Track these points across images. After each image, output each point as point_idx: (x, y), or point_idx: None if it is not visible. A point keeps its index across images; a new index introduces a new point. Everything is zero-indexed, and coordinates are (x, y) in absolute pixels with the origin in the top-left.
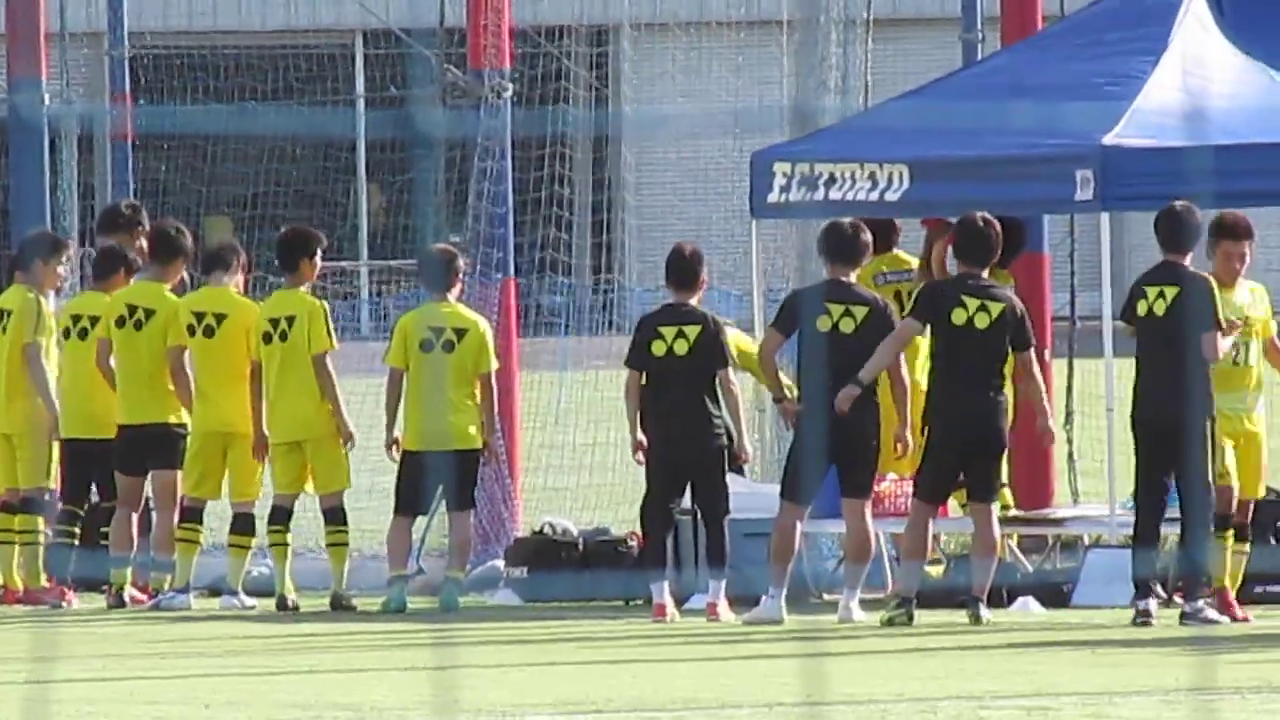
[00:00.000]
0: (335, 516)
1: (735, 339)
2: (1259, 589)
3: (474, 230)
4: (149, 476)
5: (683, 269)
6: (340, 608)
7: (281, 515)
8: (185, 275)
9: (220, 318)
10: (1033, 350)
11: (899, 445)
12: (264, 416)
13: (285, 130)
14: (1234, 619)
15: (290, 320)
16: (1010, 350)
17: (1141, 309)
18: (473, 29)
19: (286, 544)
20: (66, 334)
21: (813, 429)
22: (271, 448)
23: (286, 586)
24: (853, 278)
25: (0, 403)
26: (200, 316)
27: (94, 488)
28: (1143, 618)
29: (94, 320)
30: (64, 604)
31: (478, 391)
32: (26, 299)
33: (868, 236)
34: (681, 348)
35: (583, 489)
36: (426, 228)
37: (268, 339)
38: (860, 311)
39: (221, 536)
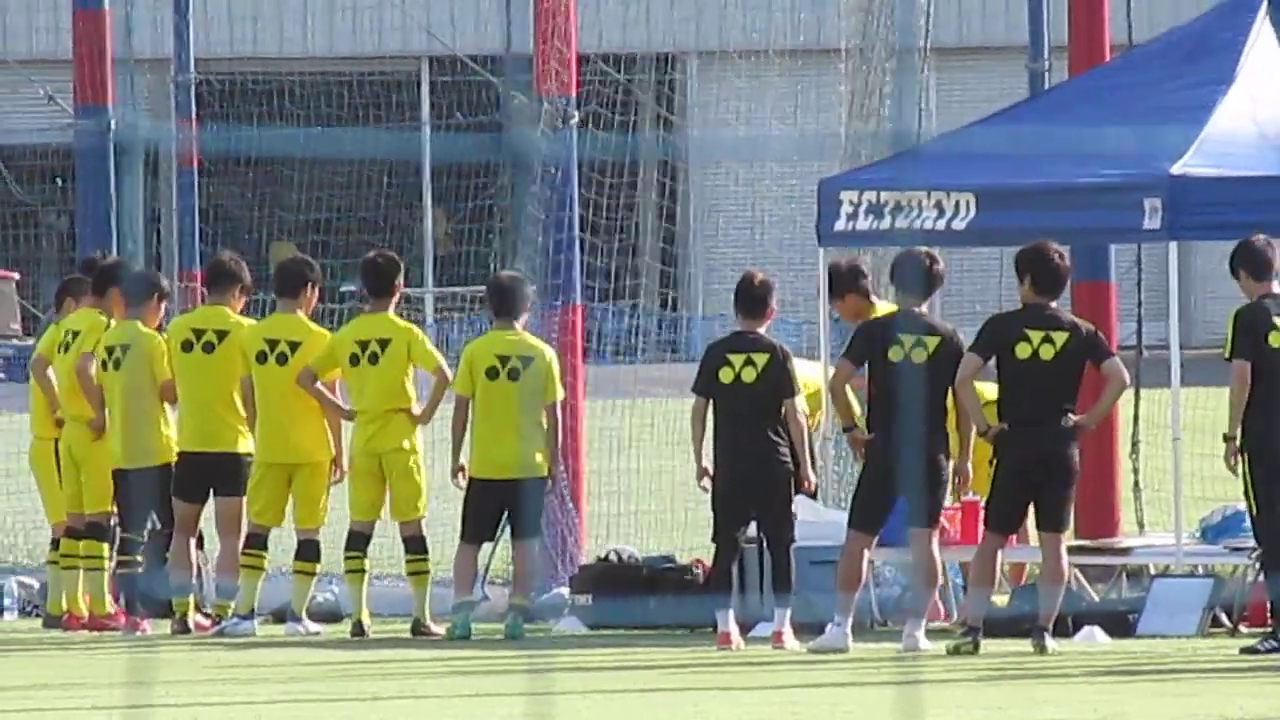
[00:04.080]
0: (416, 545)
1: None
2: None
3: (533, 258)
4: (210, 503)
5: (752, 297)
6: (421, 633)
7: (359, 541)
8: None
9: (294, 345)
10: (1115, 359)
11: (958, 477)
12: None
13: (352, 154)
14: None
15: (383, 344)
16: (1083, 373)
17: (1275, 340)
18: (539, 55)
19: (364, 570)
20: (105, 366)
21: (881, 458)
22: (352, 471)
23: (363, 613)
24: (924, 308)
25: (66, 427)
26: (273, 344)
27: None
28: None
29: (125, 349)
30: (137, 633)
31: (544, 419)
32: (99, 322)
33: (941, 266)
34: (749, 375)
35: (647, 516)
36: (509, 254)
37: (355, 361)
38: (932, 342)
39: (286, 562)
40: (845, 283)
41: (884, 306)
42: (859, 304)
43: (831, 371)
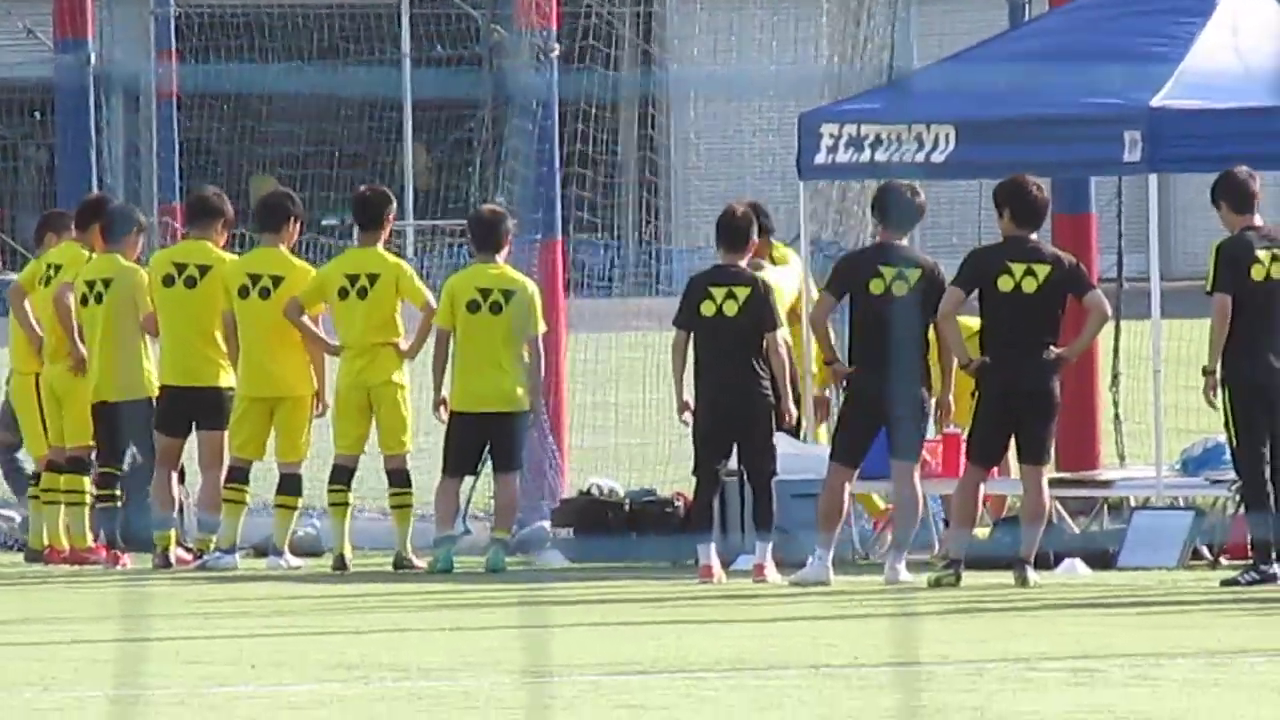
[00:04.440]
0: (400, 479)
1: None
2: None
3: (514, 191)
4: (191, 437)
5: (734, 230)
6: (403, 567)
7: (343, 475)
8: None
9: (277, 280)
10: (1097, 291)
11: (940, 410)
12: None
13: (333, 90)
14: None
15: (372, 278)
16: (1065, 306)
17: (1258, 274)
18: None
19: (347, 504)
20: (85, 300)
21: (863, 391)
22: (338, 405)
23: (345, 547)
24: (906, 240)
25: (45, 361)
26: (255, 279)
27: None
28: (1268, 580)
29: (106, 283)
30: (118, 567)
31: (525, 353)
32: (80, 255)
33: (922, 199)
34: (731, 309)
35: (629, 450)
36: (490, 188)
37: (343, 294)
38: (913, 275)
39: (268, 496)
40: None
41: (782, 249)
42: (760, 244)
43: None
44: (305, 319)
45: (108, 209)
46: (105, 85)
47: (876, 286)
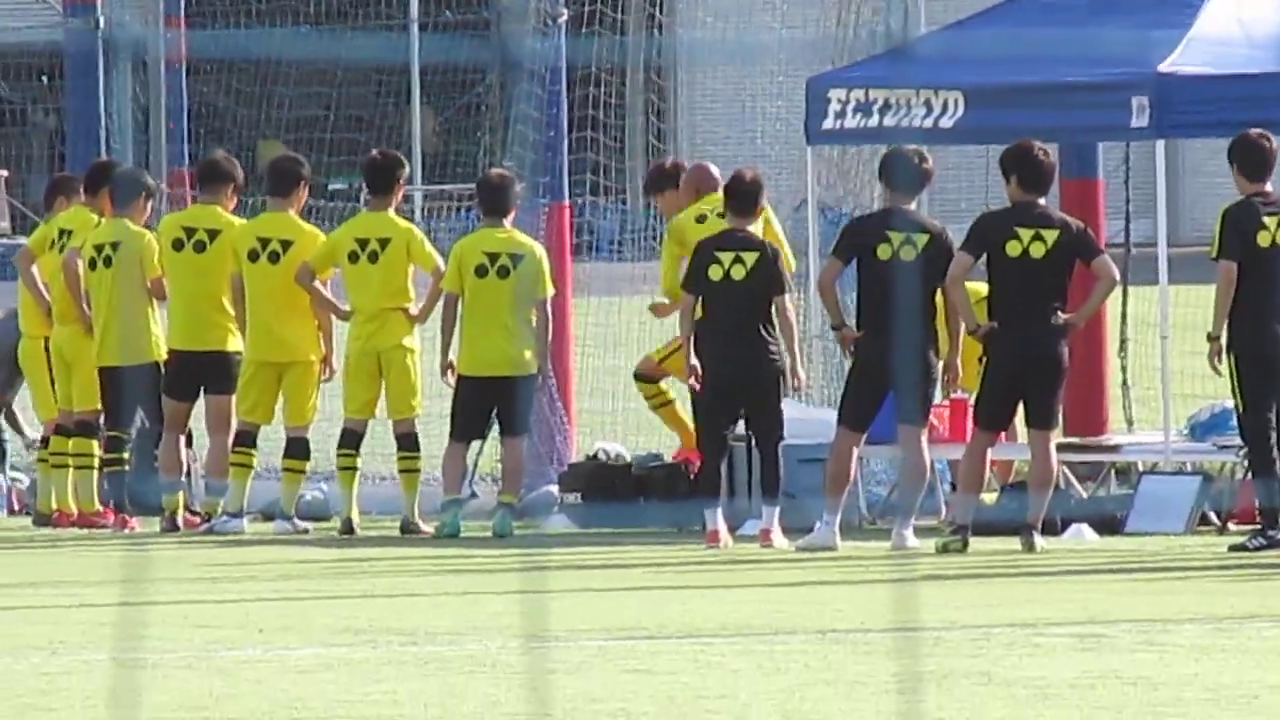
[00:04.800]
0: (409, 443)
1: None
2: None
3: (522, 156)
4: (200, 401)
5: (743, 195)
6: (410, 532)
7: (353, 439)
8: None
9: (286, 244)
10: (1105, 256)
11: (948, 374)
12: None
13: (341, 56)
14: None
15: (383, 242)
16: (1073, 271)
17: (1264, 240)
18: None
19: (356, 468)
20: (93, 265)
21: (871, 356)
22: (348, 369)
23: (353, 511)
24: (913, 205)
25: (55, 325)
26: (265, 243)
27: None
28: (1275, 545)
29: (115, 246)
30: (126, 530)
31: (533, 317)
32: (90, 220)
33: (929, 164)
34: (739, 273)
35: (636, 414)
36: (497, 152)
37: (354, 258)
38: (921, 239)
39: (275, 461)
40: (665, 181)
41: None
42: (677, 200)
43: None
44: (315, 283)
45: (115, 173)
46: (113, 50)
47: (884, 251)
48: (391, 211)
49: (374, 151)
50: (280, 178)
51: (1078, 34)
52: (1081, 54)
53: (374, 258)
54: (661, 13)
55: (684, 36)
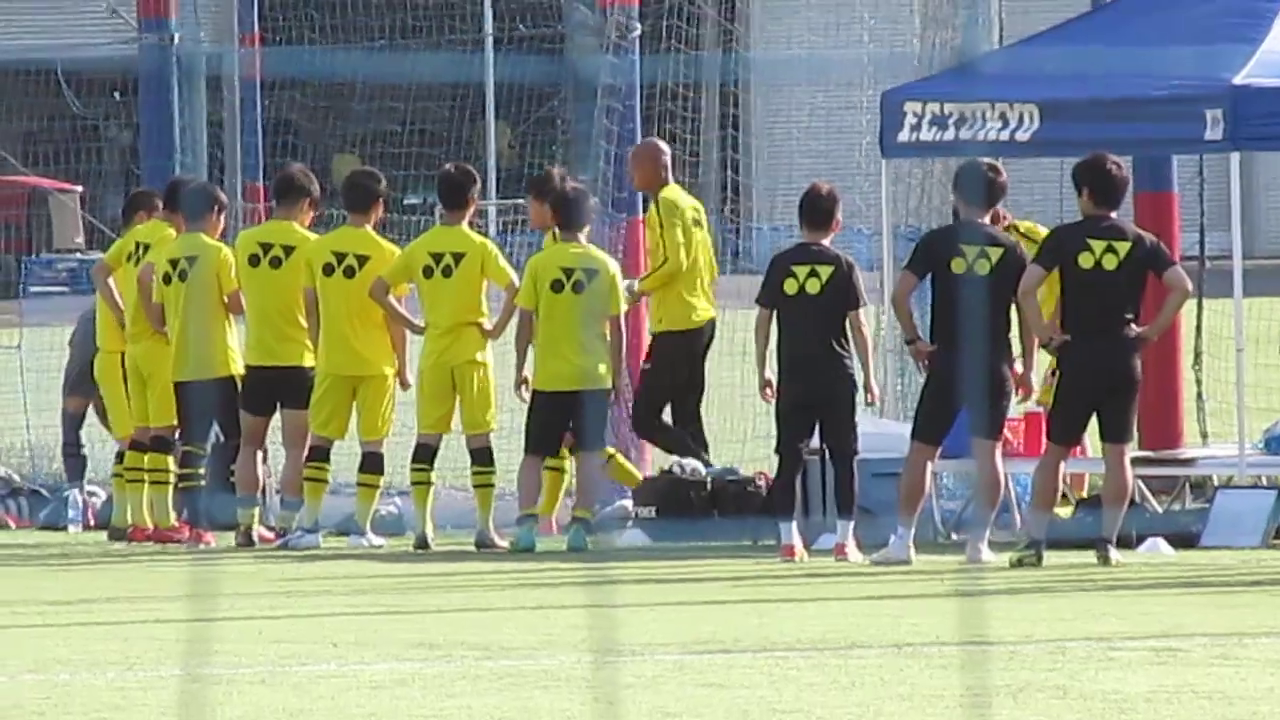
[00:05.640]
0: (483, 457)
1: None
2: None
3: (599, 170)
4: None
5: (818, 209)
6: (485, 546)
7: (426, 454)
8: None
9: (362, 259)
10: (1177, 268)
11: (1020, 389)
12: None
13: (416, 71)
14: None
15: (457, 257)
16: (1146, 284)
17: None
18: None
19: (430, 483)
20: (167, 279)
21: (944, 370)
22: (421, 384)
23: (427, 526)
24: (986, 219)
25: (130, 340)
26: (341, 257)
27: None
28: None
29: (191, 260)
30: (201, 545)
31: (607, 331)
32: (168, 235)
33: (1003, 178)
34: (814, 287)
35: (711, 428)
36: (573, 167)
37: (428, 273)
38: (995, 253)
39: (349, 476)
40: (540, 190)
41: None
42: (547, 212)
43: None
44: (390, 298)
45: (186, 188)
46: (187, 66)
47: (958, 265)
48: (465, 225)
49: (448, 166)
50: (356, 193)
51: (1151, 48)
52: (1153, 68)
53: (448, 272)
54: (736, 25)
55: (759, 52)
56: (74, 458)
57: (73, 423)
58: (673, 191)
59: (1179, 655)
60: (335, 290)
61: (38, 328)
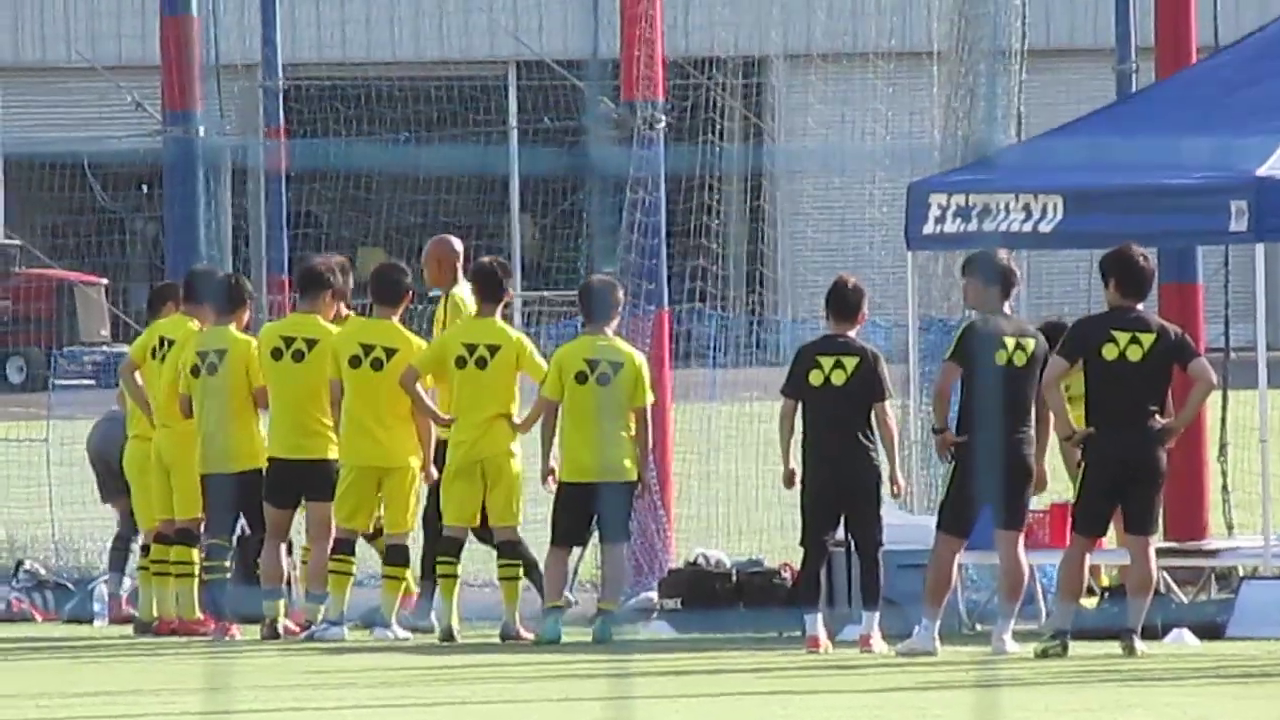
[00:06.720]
0: (510, 550)
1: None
2: None
3: (626, 261)
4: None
5: (844, 301)
6: (511, 639)
7: (453, 547)
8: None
9: (390, 352)
10: (1202, 359)
11: (1034, 482)
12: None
13: (441, 164)
14: None
15: (492, 349)
16: (1171, 375)
17: None
18: (626, 60)
19: (456, 576)
20: (195, 371)
21: (973, 462)
22: (449, 476)
23: (453, 618)
24: (1008, 309)
25: (158, 432)
26: (368, 349)
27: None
28: None
29: (220, 354)
30: (227, 638)
31: (632, 424)
32: (192, 330)
33: (1015, 267)
34: (839, 378)
35: (735, 520)
36: (596, 259)
37: (461, 364)
38: (1030, 344)
39: (374, 569)
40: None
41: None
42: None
43: (938, 374)
44: (419, 388)
45: (214, 281)
46: (212, 159)
47: (1001, 357)
48: (499, 318)
49: (484, 258)
50: (384, 286)
51: (1176, 139)
52: (1177, 160)
53: (481, 364)
54: (763, 119)
55: (784, 144)
56: (121, 552)
57: (130, 521)
58: (464, 290)
59: None
60: (362, 382)
61: (65, 420)
